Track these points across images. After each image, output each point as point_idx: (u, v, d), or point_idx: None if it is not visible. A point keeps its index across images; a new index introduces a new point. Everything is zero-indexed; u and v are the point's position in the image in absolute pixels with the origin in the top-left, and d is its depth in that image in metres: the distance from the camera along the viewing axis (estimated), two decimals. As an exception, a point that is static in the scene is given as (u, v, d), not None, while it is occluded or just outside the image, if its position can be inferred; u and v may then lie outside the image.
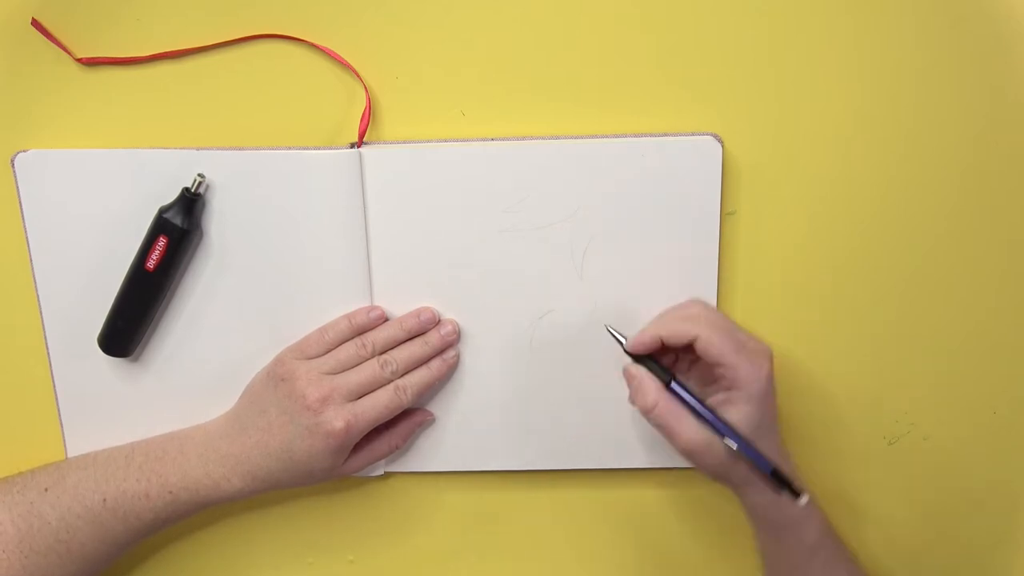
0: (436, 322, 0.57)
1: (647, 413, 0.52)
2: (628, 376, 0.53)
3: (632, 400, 0.53)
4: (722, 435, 0.50)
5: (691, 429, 0.51)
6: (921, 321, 0.58)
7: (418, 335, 0.57)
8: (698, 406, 0.51)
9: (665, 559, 0.63)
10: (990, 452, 0.60)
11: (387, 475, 0.61)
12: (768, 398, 0.51)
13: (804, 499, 0.50)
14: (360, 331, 0.57)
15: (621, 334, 0.54)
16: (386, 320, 0.57)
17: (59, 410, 0.60)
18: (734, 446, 0.50)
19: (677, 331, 0.52)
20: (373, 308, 0.57)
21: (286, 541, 0.64)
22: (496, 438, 0.60)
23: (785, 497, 0.51)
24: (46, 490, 0.54)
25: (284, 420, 0.54)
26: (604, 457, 0.60)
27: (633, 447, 0.60)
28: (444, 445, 0.60)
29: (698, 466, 0.52)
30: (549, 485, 0.62)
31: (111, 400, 0.60)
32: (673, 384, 0.52)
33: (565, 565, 0.64)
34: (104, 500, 0.54)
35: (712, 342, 0.50)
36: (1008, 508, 0.60)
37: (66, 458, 0.57)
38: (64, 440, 0.61)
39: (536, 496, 0.62)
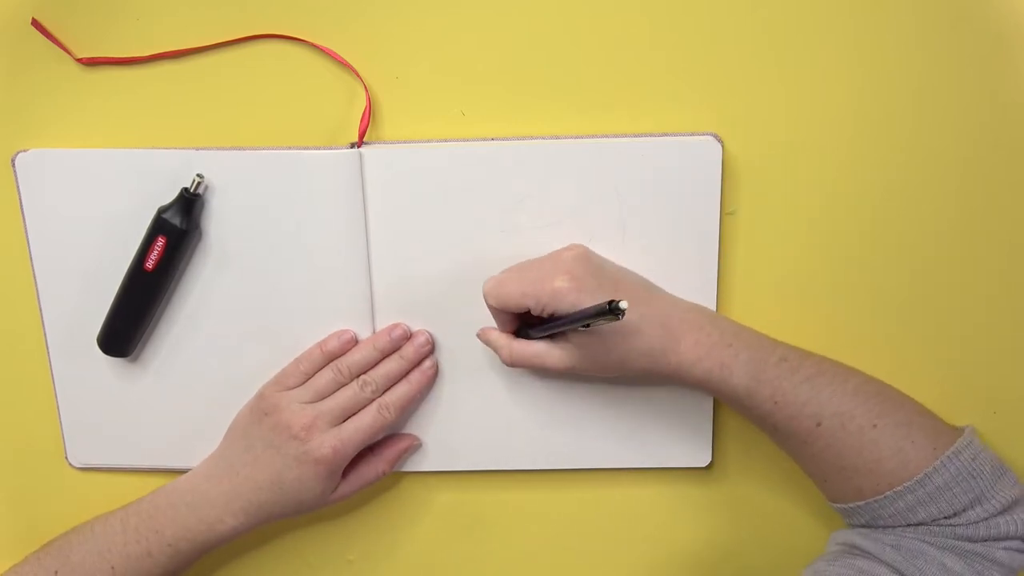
0: (408, 337, 0.58)
1: (511, 365, 0.54)
2: (482, 341, 0.56)
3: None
4: (555, 330, 0.52)
5: (554, 353, 0.53)
6: (921, 320, 0.58)
7: (392, 352, 0.57)
8: (540, 330, 0.53)
9: (665, 559, 0.63)
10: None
11: (388, 475, 0.61)
12: (574, 294, 0.50)
13: (623, 304, 0.45)
14: (333, 357, 0.57)
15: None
16: (357, 341, 0.58)
17: (59, 409, 0.60)
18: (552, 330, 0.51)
19: (495, 311, 0.54)
20: (343, 332, 0.57)
21: (286, 540, 0.64)
22: (496, 438, 0.60)
23: (618, 320, 0.46)
24: (55, 573, 0.55)
25: (271, 453, 0.55)
26: (603, 457, 0.60)
27: (632, 447, 0.60)
28: (445, 445, 0.60)
29: (601, 376, 0.54)
30: (549, 485, 0.62)
31: (111, 399, 0.60)
32: (520, 331, 0.55)
33: (565, 565, 0.64)
34: (112, 568, 0.55)
35: (507, 301, 0.52)
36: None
37: (63, 535, 0.58)
38: (64, 440, 0.61)
39: (537, 496, 0.62)
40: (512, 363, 0.54)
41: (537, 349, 0.53)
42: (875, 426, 0.52)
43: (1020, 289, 0.58)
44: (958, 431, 0.54)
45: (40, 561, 0.56)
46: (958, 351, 0.59)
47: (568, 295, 0.50)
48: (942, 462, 0.51)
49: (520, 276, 0.52)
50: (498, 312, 0.54)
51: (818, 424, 0.52)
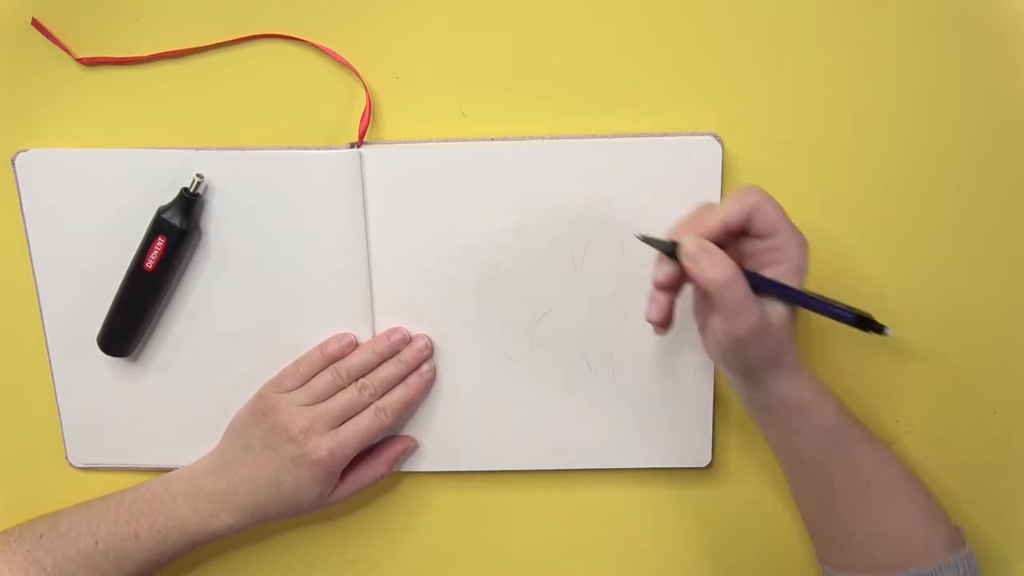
0: (407, 341, 0.58)
1: (728, 283, 0.46)
2: (695, 253, 0.47)
3: (697, 276, 0.47)
4: (795, 302, 0.47)
5: (757, 305, 0.46)
6: (921, 321, 0.58)
7: (391, 356, 0.57)
8: (767, 279, 0.47)
9: (665, 559, 0.63)
10: (990, 452, 0.60)
11: (386, 477, 0.61)
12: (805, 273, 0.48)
13: (890, 331, 0.46)
14: (333, 360, 0.57)
15: (658, 240, 0.49)
16: (357, 345, 0.58)
17: (59, 409, 0.60)
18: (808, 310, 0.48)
19: (738, 205, 0.47)
20: (343, 335, 0.57)
21: (285, 540, 0.64)
22: (495, 438, 0.60)
23: (873, 335, 0.47)
24: (41, 537, 0.56)
25: (269, 454, 0.55)
26: (603, 457, 0.60)
27: (632, 447, 0.60)
28: (444, 445, 0.60)
29: (747, 346, 0.47)
30: (548, 485, 0.62)
31: (111, 399, 0.60)
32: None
33: (564, 565, 0.64)
34: (96, 543, 0.55)
35: (770, 209, 0.47)
36: (1008, 508, 0.60)
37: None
38: (64, 440, 0.61)
39: (535, 496, 0.62)
40: (735, 283, 0.46)
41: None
42: (911, 503, 0.53)
43: (1020, 289, 0.58)
44: (959, 531, 0.54)
45: (31, 525, 0.57)
46: (958, 351, 0.59)
47: (773, 210, 0.47)
48: (956, 560, 0.52)
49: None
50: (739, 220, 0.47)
51: (868, 485, 0.52)
